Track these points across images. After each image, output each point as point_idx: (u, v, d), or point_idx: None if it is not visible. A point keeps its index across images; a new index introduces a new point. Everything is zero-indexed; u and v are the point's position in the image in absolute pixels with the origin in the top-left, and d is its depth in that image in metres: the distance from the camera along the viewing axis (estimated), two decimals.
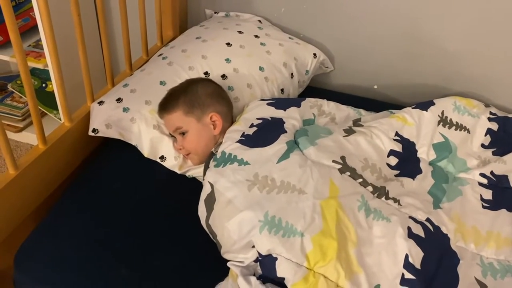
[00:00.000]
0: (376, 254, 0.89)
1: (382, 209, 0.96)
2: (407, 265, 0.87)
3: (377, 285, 0.86)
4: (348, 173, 1.02)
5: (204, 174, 1.06)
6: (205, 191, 0.98)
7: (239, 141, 1.05)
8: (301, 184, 0.96)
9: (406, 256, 0.88)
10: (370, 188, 1.01)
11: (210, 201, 0.96)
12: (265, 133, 1.07)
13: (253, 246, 0.90)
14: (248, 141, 1.05)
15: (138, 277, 0.94)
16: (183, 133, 1.14)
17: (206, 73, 1.29)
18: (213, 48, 1.36)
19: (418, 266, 0.87)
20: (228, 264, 0.91)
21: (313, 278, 0.85)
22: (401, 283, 0.85)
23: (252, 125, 1.10)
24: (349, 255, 0.88)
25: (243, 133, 1.08)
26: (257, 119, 1.13)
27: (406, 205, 1.00)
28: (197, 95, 1.14)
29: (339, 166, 1.02)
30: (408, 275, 0.86)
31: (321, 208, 0.92)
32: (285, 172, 0.97)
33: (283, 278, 0.85)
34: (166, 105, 1.15)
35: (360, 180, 1.01)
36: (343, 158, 1.04)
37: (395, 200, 1.00)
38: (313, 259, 0.86)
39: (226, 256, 0.94)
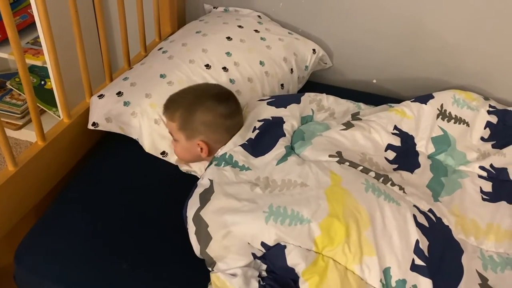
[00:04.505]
0: (387, 237, 0.88)
1: (390, 193, 0.96)
2: (418, 251, 0.87)
3: (387, 267, 0.86)
4: (348, 163, 1.02)
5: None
6: (202, 186, 0.97)
7: (242, 145, 1.06)
8: (302, 179, 0.96)
9: (417, 242, 0.88)
10: (372, 174, 1.01)
11: (207, 194, 0.94)
12: (266, 136, 1.08)
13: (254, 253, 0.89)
14: (250, 146, 1.06)
15: (138, 272, 0.94)
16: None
17: (207, 65, 1.28)
18: (214, 42, 1.35)
19: (426, 253, 0.87)
20: (220, 272, 0.88)
21: (322, 261, 0.85)
22: (412, 269, 0.85)
23: (254, 129, 1.11)
24: (362, 236, 0.87)
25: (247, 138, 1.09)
26: (259, 121, 1.13)
27: (410, 193, 0.99)
28: (192, 119, 1.08)
29: (337, 159, 1.02)
30: (419, 261, 0.86)
31: (326, 195, 0.92)
32: (285, 172, 0.99)
33: (293, 269, 0.85)
34: (167, 110, 1.12)
35: (361, 168, 1.01)
36: (339, 152, 1.04)
37: (400, 188, 1.00)
38: (321, 243, 0.86)
39: (211, 251, 0.90)
